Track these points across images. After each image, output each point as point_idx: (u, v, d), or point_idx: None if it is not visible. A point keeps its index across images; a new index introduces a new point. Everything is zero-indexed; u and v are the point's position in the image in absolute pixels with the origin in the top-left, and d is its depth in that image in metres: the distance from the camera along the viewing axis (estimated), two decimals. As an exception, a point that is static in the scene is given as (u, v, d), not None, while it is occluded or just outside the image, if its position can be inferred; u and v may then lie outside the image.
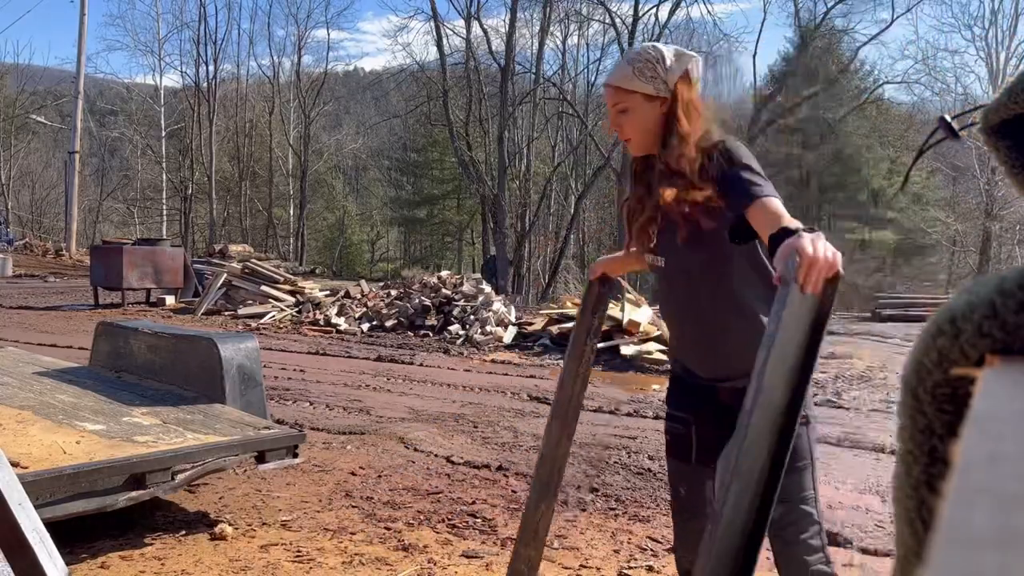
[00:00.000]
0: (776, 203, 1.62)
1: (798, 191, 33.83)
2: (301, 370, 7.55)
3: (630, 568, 3.02)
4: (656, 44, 1.86)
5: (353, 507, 3.60)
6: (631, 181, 1.95)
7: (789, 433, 1.24)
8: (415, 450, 4.71)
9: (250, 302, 12.71)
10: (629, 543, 3.28)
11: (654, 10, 23.30)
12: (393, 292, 12.54)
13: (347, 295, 12.98)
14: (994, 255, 26.89)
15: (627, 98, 1.78)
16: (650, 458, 4.70)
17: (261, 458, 3.16)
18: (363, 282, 15.24)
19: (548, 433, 2.11)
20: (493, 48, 23.90)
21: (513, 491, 3.95)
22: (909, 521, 0.32)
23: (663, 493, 4.02)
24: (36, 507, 1.60)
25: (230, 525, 3.25)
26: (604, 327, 9.63)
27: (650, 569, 3.02)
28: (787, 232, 1.46)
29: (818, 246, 1.31)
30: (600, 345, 9.30)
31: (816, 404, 6.80)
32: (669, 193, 1.73)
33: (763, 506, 1.20)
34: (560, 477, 2.11)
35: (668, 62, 1.78)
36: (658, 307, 1.80)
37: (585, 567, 3.01)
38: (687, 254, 1.81)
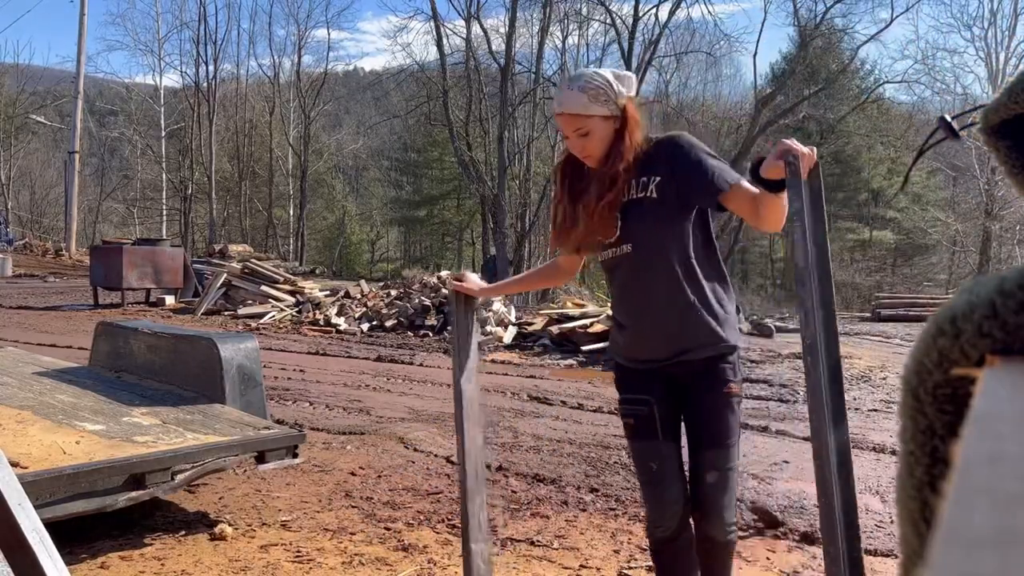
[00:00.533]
0: (745, 183, 1.91)
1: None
2: (301, 370, 7.55)
3: (630, 568, 3.02)
4: (597, 70, 2.04)
5: (353, 507, 3.60)
6: (560, 187, 2.15)
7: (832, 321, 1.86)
8: (415, 450, 4.71)
9: (250, 302, 12.71)
10: (629, 543, 3.28)
11: (654, 10, 23.33)
12: (393, 292, 12.55)
13: (347, 295, 12.99)
14: (994, 255, 26.88)
15: (587, 122, 1.98)
16: (650, 458, 4.70)
17: (261, 458, 3.16)
18: (363, 282, 15.24)
19: (464, 434, 2.25)
20: (493, 48, 23.92)
21: (513, 491, 3.95)
22: (913, 522, 0.32)
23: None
24: (36, 507, 1.60)
25: (230, 525, 3.25)
26: (604, 327, 9.64)
27: (650, 569, 3.02)
28: (761, 160, 1.77)
29: (801, 146, 1.68)
30: (600, 345, 9.31)
31: (816, 404, 6.80)
32: (611, 195, 2.00)
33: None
34: (483, 469, 2.33)
35: (615, 86, 1.99)
36: (613, 302, 2.20)
37: (585, 567, 3.02)
38: (651, 237, 2.01)
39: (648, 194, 2.00)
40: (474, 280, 2.33)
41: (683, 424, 2.09)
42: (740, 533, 3.50)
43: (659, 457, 2.06)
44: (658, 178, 1.99)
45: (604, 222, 2.02)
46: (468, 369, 2.26)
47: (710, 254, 2.06)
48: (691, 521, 2.05)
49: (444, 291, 11.49)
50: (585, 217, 2.05)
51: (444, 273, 12.91)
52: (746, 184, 1.89)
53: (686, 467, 2.09)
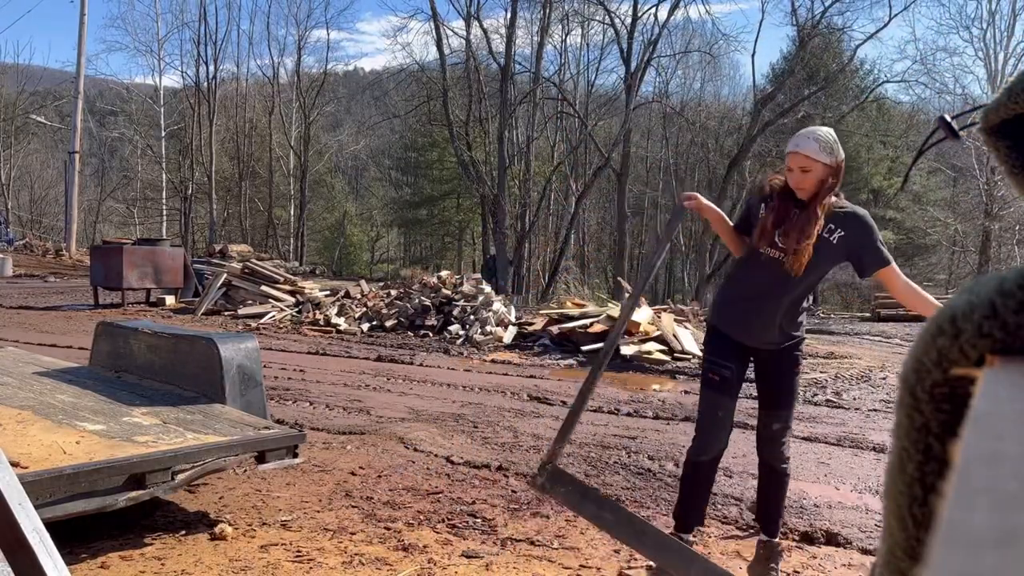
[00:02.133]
0: (893, 269, 2.80)
1: (798, 191, 33.83)
2: (301, 370, 7.55)
3: (630, 568, 3.02)
4: (830, 130, 2.76)
5: (353, 507, 3.60)
6: (777, 199, 2.81)
7: None
8: (415, 450, 4.71)
9: (250, 302, 12.71)
10: (629, 543, 3.28)
11: (653, 10, 23.32)
12: (393, 292, 12.55)
13: (347, 295, 12.99)
14: (994, 255, 26.88)
15: (813, 164, 2.68)
16: (650, 458, 4.70)
17: (261, 458, 3.15)
18: (363, 282, 15.24)
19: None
20: (493, 48, 23.92)
21: (513, 491, 3.96)
22: (900, 517, 0.32)
23: (663, 493, 4.02)
24: (36, 507, 1.60)
25: (230, 525, 3.25)
26: (604, 327, 9.65)
27: (650, 568, 3.02)
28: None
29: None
30: (600, 345, 9.31)
31: (816, 404, 6.81)
32: (809, 234, 2.72)
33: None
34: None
35: (838, 145, 2.74)
36: (737, 280, 2.96)
37: (585, 567, 3.02)
38: (812, 268, 2.75)
39: (831, 239, 2.74)
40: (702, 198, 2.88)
41: (760, 386, 2.98)
42: (739, 533, 3.50)
43: (726, 409, 2.88)
44: (843, 233, 2.74)
45: (803, 229, 2.70)
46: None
47: (808, 298, 2.95)
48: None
49: (444, 291, 11.50)
50: (790, 244, 2.72)
51: (444, 273, 12.91)
52: (896, 270, 2.80)
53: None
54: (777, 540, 2.99)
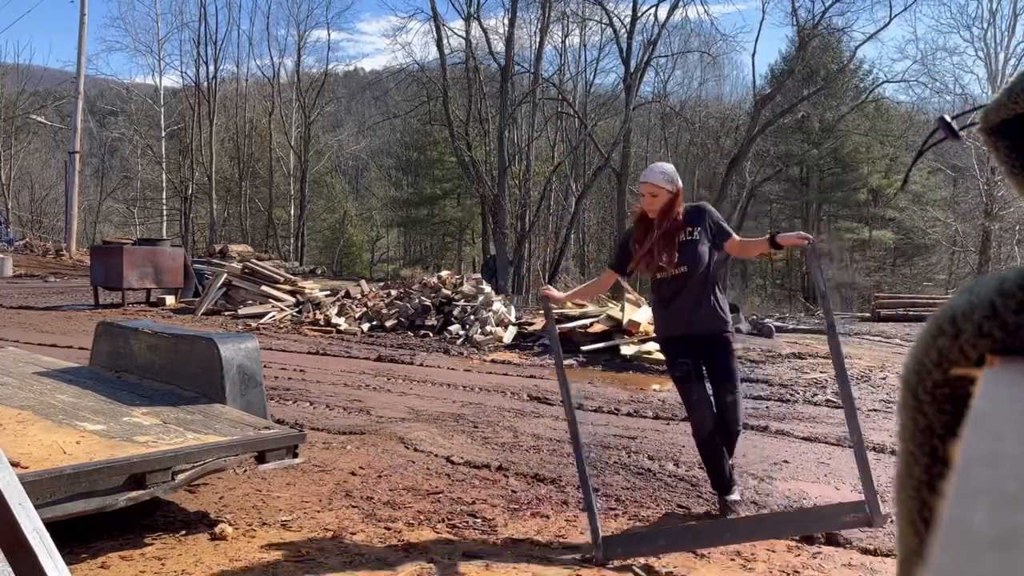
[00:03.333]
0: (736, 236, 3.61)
1: (798, 190, 33.88)
2: (301, 370, 7.55)
3: (630, 568, 3.02)
4: (666, 165, 3.60)
5: (353, 507, 3.60)
6: (636, 229, 3.64)
7: None
8: (415, 450, 4.71)
9: (250, 302, 12.71)
10: (629, 543, 3.28)
11: (652, 10, 23.32)
12: (393, 292, 12.55)
13: (347, 295, 12.98)
14: (994, 255, 26.87)
15: (658, 190, 3.50)
16: (650, 458, 4.70)
17: (261, 458, 3.15)
18: (363, 282, 15.24)
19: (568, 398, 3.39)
20: (493, 48, 23.92)
21: (513, 491, 3.96)
22: (911, 522, 0.32)
23: (663, 493, 4.02)
24: (36, 507, 1.60)
25: (230, 525, 3.25)
26: (604, 327, 9.63)
27: (649, 570, 3.02)
28: (775, 236, 3.35)
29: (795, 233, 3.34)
30: (600, 345, 9.31)
31: (816, 404, 6.80)
32: (668, 235, 3.51)
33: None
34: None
35: (675, 176, 3.55)
36: (656, 299, 3.68)
37: (585, 567, 3.02)
38: (687, 260, 3.49)
39: (693, 238, 3.48)
40: (553, 291, 3.79)
41: (705, 369, 3.56)
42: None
43: (698, 392, 3.52)
44: (698, 227, 3.51)
45: (666, 248, 3.47)
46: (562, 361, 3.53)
47: (715, 274, 3.61)
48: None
49: (444, 291, 11.50)
50: (653, 241, 3.47)
51: (444, 273, 12.91)
52: (737, 237, 3.58)
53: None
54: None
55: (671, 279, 3.49)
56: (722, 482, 3.60)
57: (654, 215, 3.48)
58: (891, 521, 3.32)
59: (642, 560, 3.09)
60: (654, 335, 3.94)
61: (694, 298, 3.49)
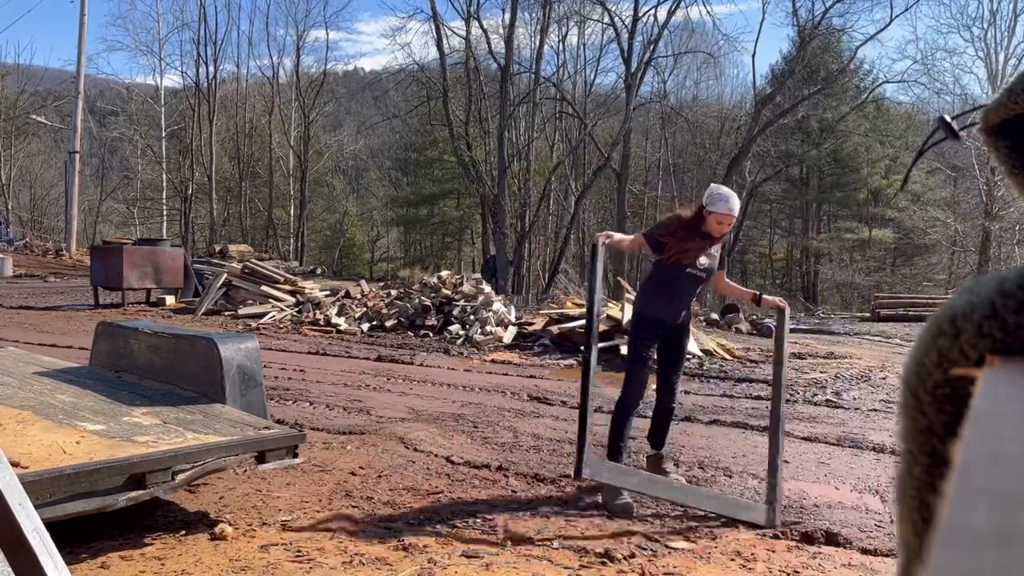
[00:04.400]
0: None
1: (798, 190, 33.87)
2: (301, 370, 7.55)
3: (630, 568, 3.02)
4: (733, 194, 3.97)
5: (353, 507, 3.60)
6: (689, 231, 3.96)
7: None
8: (415, 450, 4.71)
9: (250, 302, 12.71)
10: (629, 543, 3.28)
11: (653, 10, 23.32)
12: (393, 292, 12.55)
13: (347, 295, 12.98)
14: (994, 255, 26.88)
15: (733, 219, 3.97)
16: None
17: (261, 458, 3.15)
18: (363, 282, 15.24)
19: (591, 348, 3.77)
20: (493, 48, 23.91)
21: (513, 491, 3.96)
22: (912, 522, 0.32)
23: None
24: (36, 507, 1.60)
25: (230, 525, 3.25)
26: (604, 327, 9.64)
27: (649, 572, 3.02)
28: (760, 296, 4.31)
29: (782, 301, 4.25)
30: (600, 345, 9.30)
31: (815, 404, 6.81)
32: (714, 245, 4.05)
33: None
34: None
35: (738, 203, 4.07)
36: (660, 283, 4.10)
37: (585, 567, 3.02)
38: (703, 271, 4.03)
39: (716, 254, 4.07)
40: (612, 233, 4.03)
41: (666, 351, 4.11)
42: (742, 535, 3.50)
43: (646, 374, 4.06)
44: (719, 247, 4.08)
45: (704, 255, 3.99)
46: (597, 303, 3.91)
47: (704, 287, 4.32)
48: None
49: (444, 291, 11.50)
50: (697, 245, 3.94)
51: (444, 273, 12.91)
52: (724, 273, 4.25)
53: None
54: (662, 453, 4.28)
55: (691, 277, 4.00)
56: (615, 455, 3.93)
57: (720, 236, 3.98)
58: (891, 521, 3.32)
59: (643, 560, 3.09)
60: (637, 308, 4.13)
61: (691, 298, 4.12)
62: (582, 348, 9.12)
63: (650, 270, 4.32)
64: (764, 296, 4.17)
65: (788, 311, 4.13)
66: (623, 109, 23.10)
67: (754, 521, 3.58)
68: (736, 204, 3.92)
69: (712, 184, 4.19)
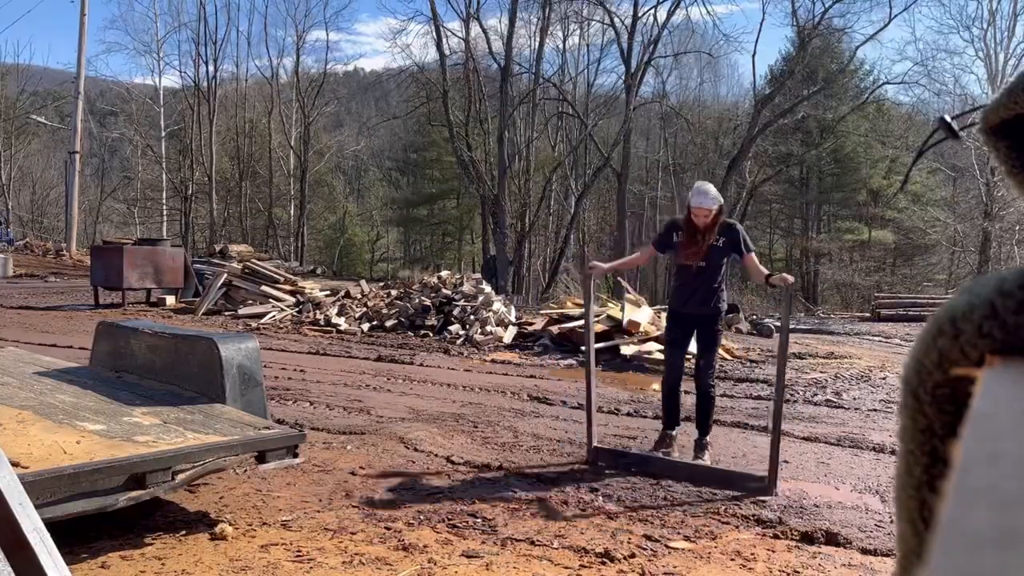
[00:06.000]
0: (756, 257, 4.65)
1: (798, 191, 33.87)
2: (301, 370, 7.55)
3: (630, 568, 3.02)
4: (711, 187, 4.54)
5: (353, 507, 3.60)
6: (684, 227, 4.59)
7: None
8: (415, 450, 4.71)
9: (250, 302, 12.71)
10: (629, 543, 3.28)
11: (653, 10, 23.32)
12: (393, 292, 12.55)
13: (347, 295, 12.98)
14: (994, 255, 26.87)
15: (709, 212, 4.45)
16: (650, 458, 4.69)
17: (261, 458, 3.15)
18: (363, 282, 15.24)
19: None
20: (493, 48, 23.91)
21: (513, 491, 3.96)
22: (911, 521, 0.32)
23: (662, 493, 4.02)
24: (37, 507, 1.60)
25: (230, 525, 3.25)
26: (604, 327, 9.65)
27: (649, 572, 3.02)
28: (770, 276, 4.46)
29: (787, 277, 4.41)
30: (600, 345, 9.30)
31: (816, 404, 6.81)
32: (707, 238, 4.54)
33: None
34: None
35: (718, 195, 4.55)
36: (677, 279, 4.79)
37: (585, 567, 3.02)
38: (709, 261, 4.53)
39: (719, 244, 4.52)
40: (598, 264, 4.92)
41: (695, 339, 4.71)
42: (742, 535, 3.50)
43: (676, 354, 4.78)
44: (724, 239, 4.53)
45: (701, 248, 4.50)
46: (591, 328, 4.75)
47: (723, 275, 4.65)
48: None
49: (444, 291, 11.50)
50: (696, 244, 4.51)
51: (444, 273, 12.90)
52: (755, 257, 4.60)
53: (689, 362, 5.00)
54: (707, 440, 4.70)
55: (695, 269, 4.52)
56: (670, 420, 4.76)
57: (704, 227, 4.46)
58: (891, 520, 3.32)
59: (643, 560, 3.09)
60: (670, 312, 4.85)
61: (704, 287, 4.54)
62: (582, 349, 9.12)
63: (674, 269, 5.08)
64: (774, 276, 4.43)
65: (792, 281, 4.46)
66: (623, 109, 23.10)
67: (753, 486, 4.00)
68: (708, 197, 4.41)
69: (696, 182, 4.70)
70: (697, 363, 4.68)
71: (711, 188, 4.49)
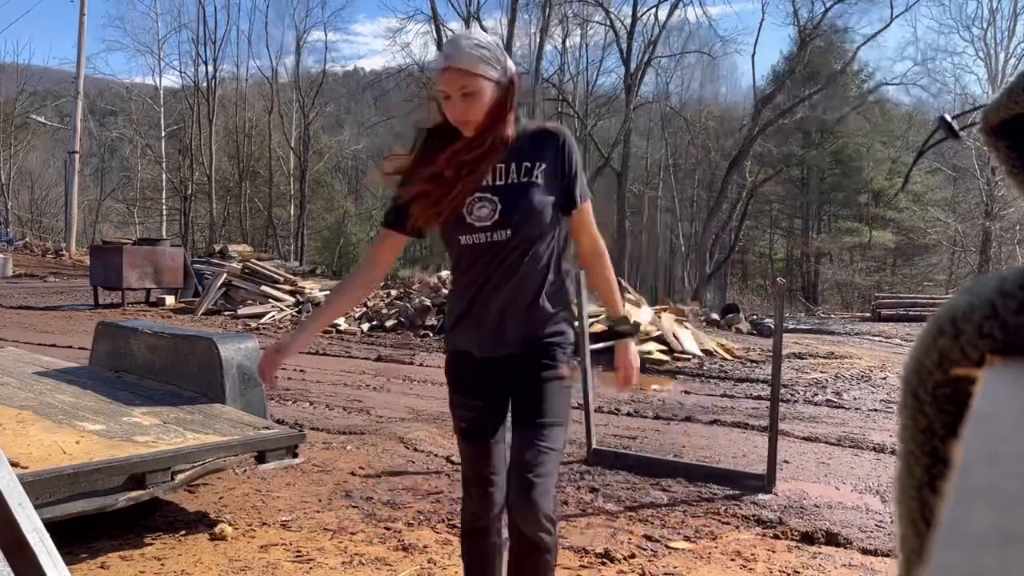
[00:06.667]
0: (590, 208, 1.99)
1: (798, 191, 33.87)
2: (301, 370, 7.55)
3: (630, 568, 3.02)
4: (485, 34, 1.91)
5: (353, 507, 3.60)
6: (425, 149, 1.92)
7: None
8: (415, 450, 4.71)
9: (250, 302, 12.71)
10: (629, 543, 3.28)
11: (653, 11, 23.33)
12: (393, 292, 12.55)
13: (347, 295, 12.96)
14: (994, 255, 26.89)
15: (474, 82, 1.80)
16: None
17: (261, 458, 3.15)
18: (363, 282, 15.20)
19: None
20: (493, 48, 23.88)
21: (513, 491, 3.95)
22: (912, 521, 0.32)
23: (662, 493, 4.02)
24: (36, 507, 1.60)
25: (230, 525, 3.25)
26: (603, 327, 9.65)
27: (649, 572, 3.02)
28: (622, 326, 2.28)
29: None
30: (599, 345, 9.28)
31: (816, 404, 6.80)
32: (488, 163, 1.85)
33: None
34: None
35: (504, 56, 1.86)
36: (454, 280, 2.04)
37: (585, 567, 3.02)
38: (534, 226, 1.86)
39: (533, 179, 1.86)
40: (272, 352, 1.98)
41: (511, 407, 1.99)
42: (742, 536, 3.49)
43: (486, 455, 2.01)
44: (544, 165, 1.87)
45: (477, 182, 1.84)
46: None
47: (561, 249, 1.95)
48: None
49: (444, 291, 11.50)
50: (453, 167, 1.83)
51: (444, 273, 12.90)
52: (590, 210, 1.99)
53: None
54: None
55: (482, 246, 1.87)
56: None
57: (469, 127, 1.84)
58: (891, 521, 3.32)
59: (643, 560, 3.09)
60: (450, 360, 2.06)
61: (514, 287, 1.88)
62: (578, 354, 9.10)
63: None
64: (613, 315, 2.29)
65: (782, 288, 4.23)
66: (623, 109, 23.11)
67: (752, 484, 4.04)
68: (463, 50, 1.80)
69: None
70: (518, 463, 1.89)
71: (479, 34, 1.88)
